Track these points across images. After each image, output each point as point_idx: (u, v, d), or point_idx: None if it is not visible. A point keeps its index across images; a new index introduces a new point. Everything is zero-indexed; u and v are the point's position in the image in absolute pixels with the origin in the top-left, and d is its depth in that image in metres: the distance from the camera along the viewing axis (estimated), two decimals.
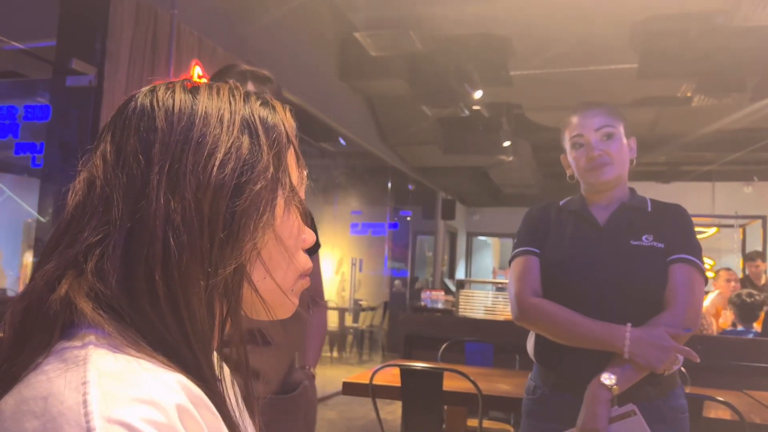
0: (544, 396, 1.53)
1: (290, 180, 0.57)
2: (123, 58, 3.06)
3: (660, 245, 1.47)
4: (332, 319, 8.74)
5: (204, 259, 0.50)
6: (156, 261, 0.48)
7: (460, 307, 6.02)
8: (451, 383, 2.64)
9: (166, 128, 0.51)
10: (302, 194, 0.60)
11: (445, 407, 2.89)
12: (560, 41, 5.19)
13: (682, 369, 2.63)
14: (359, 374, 3.03)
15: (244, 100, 0.56)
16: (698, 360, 1.34)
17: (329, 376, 7.04)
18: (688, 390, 1.59)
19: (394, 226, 10.23)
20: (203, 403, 0.47)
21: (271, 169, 0.54)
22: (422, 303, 7.47)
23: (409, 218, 10.58)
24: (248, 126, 0.54)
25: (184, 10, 3.47)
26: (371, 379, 2.68)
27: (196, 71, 3.59)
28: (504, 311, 5.82)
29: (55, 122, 3.18)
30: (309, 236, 0.60)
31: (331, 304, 8.92)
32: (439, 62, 5.66)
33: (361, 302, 9.56)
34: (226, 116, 0.53)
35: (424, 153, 7.95)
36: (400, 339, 4.64)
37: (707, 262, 7.88)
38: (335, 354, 8.72)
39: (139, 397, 0.42)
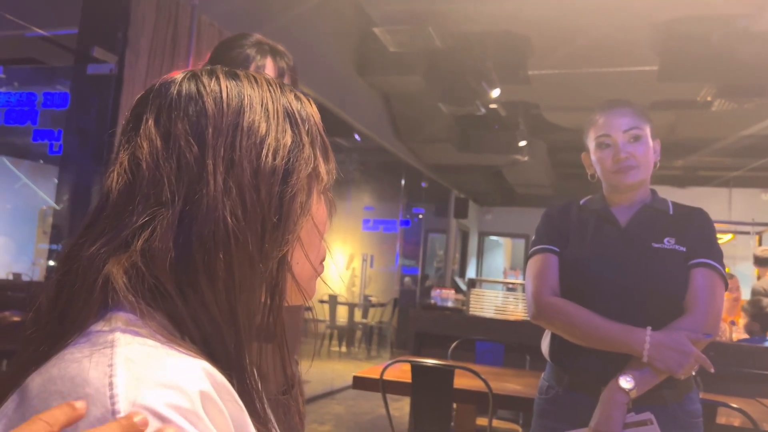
0: (558, 396, 1.52)
1: (323, 169, 0.59)
2: (144, 47, 3.07)
3: (682, 248, 1.45)
4: (341, 314, 8.76)
5: (259, 242, 0.51)
6: (218, 242, 0.49)
7: (470, 306, 6.00)
8: (462, 381, 2.64)
9: (217, 113, 0.52)
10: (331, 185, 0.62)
11: (455, 405, 2.88)
12: (579, 41, 5.15)
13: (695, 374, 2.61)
14: (369, 369, 3.04)
15: (281, 91, 0.58)
16: (713, 369, 1.33)
17: (337, 371, 7.06)
18: (701, 396, 1.57)
19: (406, 223, 10.21)
20: (227, 392, 0.47)
21: (312, 159, 0.57)
22: (432, 301, 7.46)
23: (421, 216, 10.56)
24: (289, 116, 0.56)
25: (205, 2, 3.48)
26: (382, 374, 2.68)
27: None
28: (515, 311, 5.79)
29: (74, 109, 3.21)
30: (325, 223, 0.63)
31: (340, 299, 8.93)
32: (457, 60, 5.64)
33: (370, 298, 9.56)
34: (270, 105, 0.55)
35: (438, 151, 7.93)
36: (409, 336, 4.64)
37: None
38: (343, 349, 8.73)
39: (164, 382, 0.43)
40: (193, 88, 0.54)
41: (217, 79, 0.55)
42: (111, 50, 3.03)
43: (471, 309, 5.94)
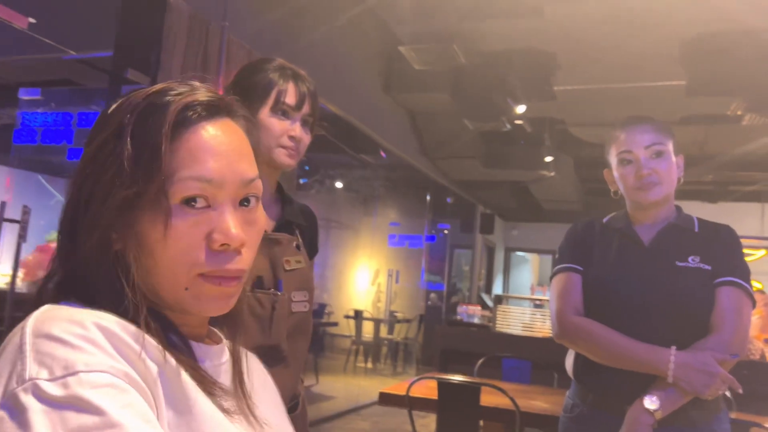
0: (582, 414, 1.51)
1: (154, 176, 0.55)
2: (175, 68, 3.16)
3: (707, 267, 1.44)
4: (367, 330, 8.76)
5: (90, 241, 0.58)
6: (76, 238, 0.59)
7: (497, 322, 5.96)
8: (488, 398, 2.63)
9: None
10: (196, 188, 0.57)
11: (481, 422, 2.87)
12: (606, 56, 5.13)
13: (727, 394, 2.56)
14: (395, 385, 3.04)
15: (144, 97, 0.59)
16: (741, 390, 1.31)
17: (363, 387, 7.06)
18: (733, 416, 1.55)
19: (431, 238, 10.21)
20: (134, 332, 0.54)
21: (118, 169, 0.56)
22: (458, 317, 7.42)
23: (446, 231, 10.55)
24: (117, 126, 0.58)
25: (234, 23, 3.57)
26: (408, 390, 2.68)
27: None
28: (542, 328, 5.74)
29: None
30: (219, 234, 0.57)
31: (366, 315, 8.93)
32: (483, 76, 5.66)
33: (396, 314, 9.54)
34: (115, 116, 0.59)
35: (464, 167, 7.93)
36: (435, 352, 4.63)
37: (754, 285, 7.61)
38: (369, 365, 8.72)
39: (60, 317, 0.52)
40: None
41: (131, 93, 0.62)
42: (144, 72, 3.13)
43: (498, 325, 5.90)
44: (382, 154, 6.98)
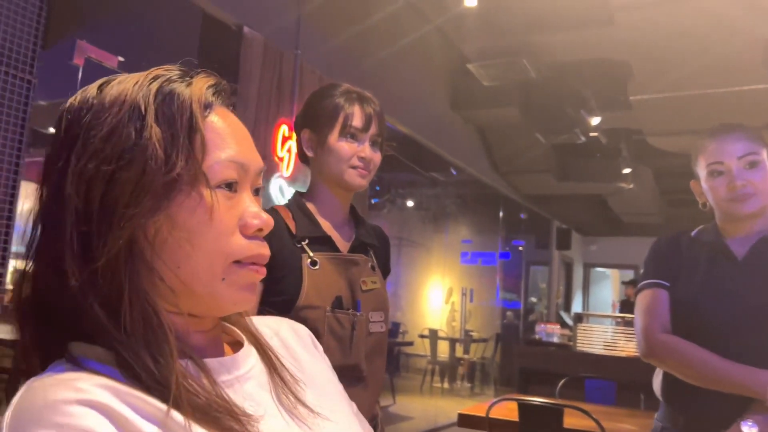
0: None
1: (194, 160, 0.52)
2: (252, 97, 3.29)
3: None
4: (442, 350, 8.68)
5: (77, 250, 0.50)
6: (43, 255, 0.52)
7: (577, 341, 5.78)
8: (572, 421, 2.54)
9: (66, 123, 0.53)
10: (234, 173, 0.55)
11: None
12: (684, 63, 4.93)
13: None
14: (474, 406, 2.99)
15: (149, 82, 0.54)
16: None
17: (440, 407, 6.98)
18: None
19: (505, 255, 10.04)
20: (123, 391, 0.47)
21: (154, 151, 0.50)
22: (536, 336, 7.24)
23: (521, 248, 10.35)
24: (137, 108, 0.52)
25: (306, 51, 3.69)
26: (488, 411, 2.64)
27: None
28: (626, 347, 5.50)
29: None
30: (252, 220, 0.55)
31: (441, 334, 8.86)
32: (554, 89, 5.57)
33: (472, 333, 9.41)
34: (119, 100, 0.52)
35: (537, 181, 7.80)
36: (513, 372, 4.53)
37: None
38: (445, 385, 8.62)
39: (39, 405, 0.44)
40: (69, 101, 0.55)
41: (88, 87, 0.55)
42: None
43: (578, 344, 5.71)
44: (453, 171, 6.97)
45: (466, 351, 9.14)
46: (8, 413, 0.45)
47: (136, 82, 0.54)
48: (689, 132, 5.57)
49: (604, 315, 8.77)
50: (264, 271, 0.57)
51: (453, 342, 8.83)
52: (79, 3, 3.49)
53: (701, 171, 1.48)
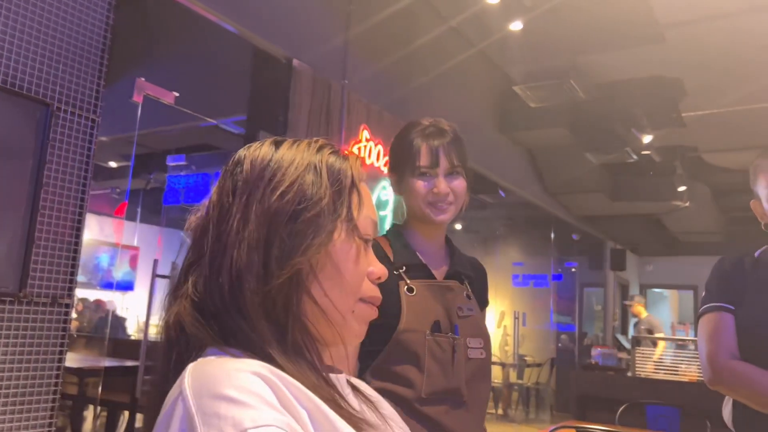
0: None
1: (352, 214, 0.66)
2: (302, 127, 3.36)
3: None
4: (496, 375, 8.52)
5: (258, 270, 0.60)
6: (224, 271, 0.61)
7: (636, 365, 5.59)
8: None
9: (250, 171, 0.65)
10: (371, 231, 0.68)
11: None
12: (738, 78, 4.80)
13: None
14: None
15: (317, 150, 0.68)
16: None
17: None
18: None
19: (558, 277, 9.84)
20: (282, 377, 0.55)
21: (328, 201, 0.64)
22: (593, 360, 7.04)
23: (574, 269, 10.13)
24: (313, 167, 0.65)
25: (353, 80, 3.76)
26: None
27: (365, 135, 3.83)
28: (687, 371, 5.29)
29: None
30: (377, 269, 0.69)
31: (493, 359, 8.70)
32: (603, 108, 5.49)
33: (525, 358, 9.21)
34: (297, 160, 0.66)
35: (589, 201, 7.65)
36: (570, 398, 4.41)
37: None
38: (500, 411, 8.44)
39: (218, 372, 0.53)
40: (242, 154, 0.67)
41: (261, 146, 0.67)
42: (274, 132, 3.36)
43: (637, 369, 5.53)
44: (501, 193, 6.92)
45: (520, 376, 8.95)
46: (187, 382, 0.53)
47: (309, 146, 0.68)
48: (747, 147, 5.39)
49: (664, 338, 8.46)
50: (377, 311, 0.70)
51: (506, 367, 8.66)
52: (137, 43, 3.66)
53: (762, 191, 1.44)
